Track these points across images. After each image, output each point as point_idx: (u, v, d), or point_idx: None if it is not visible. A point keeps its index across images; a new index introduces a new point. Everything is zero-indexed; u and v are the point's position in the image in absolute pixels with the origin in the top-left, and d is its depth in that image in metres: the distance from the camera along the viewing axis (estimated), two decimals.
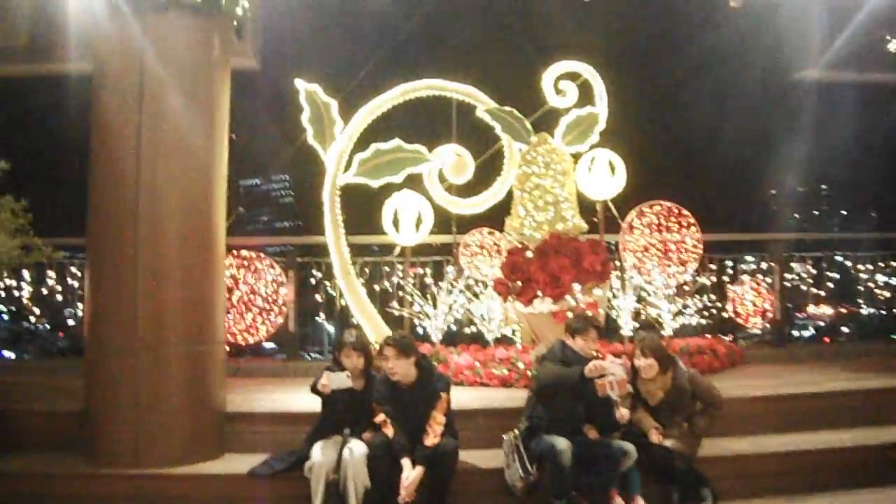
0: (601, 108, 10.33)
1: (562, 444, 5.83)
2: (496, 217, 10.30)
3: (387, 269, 10.55)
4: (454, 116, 10.77)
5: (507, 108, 10.26)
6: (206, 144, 6.74)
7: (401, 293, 10.22)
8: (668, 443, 6.13)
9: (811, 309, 11.75)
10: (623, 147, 10.15)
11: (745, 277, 10.93)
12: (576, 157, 10.07)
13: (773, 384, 8.18)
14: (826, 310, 12.64)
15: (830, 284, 11.49)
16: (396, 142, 10.26)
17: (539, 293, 8.54)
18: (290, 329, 10.81)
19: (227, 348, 8.28)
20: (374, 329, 10.23)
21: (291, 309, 10.71)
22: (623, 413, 5.99)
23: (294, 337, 10.96)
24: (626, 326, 9.08)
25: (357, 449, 5.80)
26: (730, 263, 11.14)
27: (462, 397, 7.32)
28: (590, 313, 8.25)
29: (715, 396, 6.43)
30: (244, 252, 10.52)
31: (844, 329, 13.12)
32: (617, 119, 10.37)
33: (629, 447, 5.95)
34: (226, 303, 8.11)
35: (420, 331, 9.75)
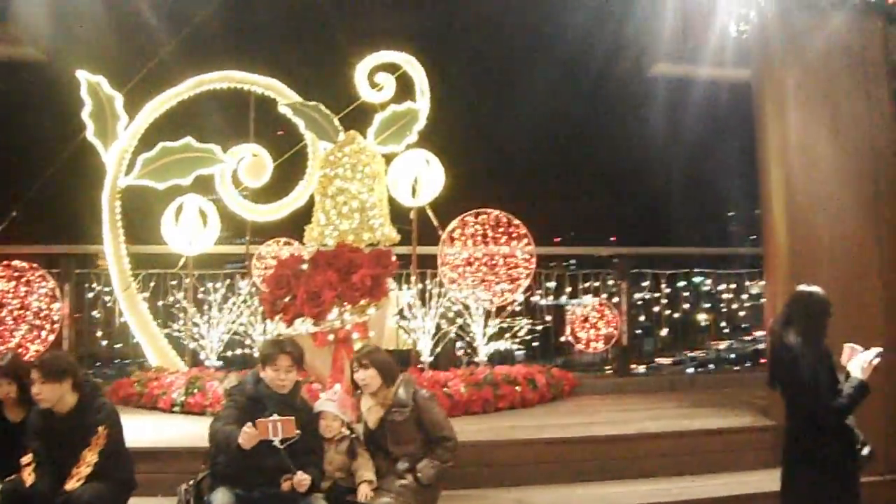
0: (422, 103, 9.05)
1: (219, 500, 4.54)
2: (297, 225, 8.98)
3: (174, 283, 9.16)
4: (251, 113, 9.44)
5: (312, 104, 8.92)
6: None
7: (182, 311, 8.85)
8: (383, 501, 4.83)
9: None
10: (448, 148, 8.96)
11: (588, 297, 9.71)
12: (391, 158, 8.85)
13: (574, 423, 7.05)
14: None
15: (686, 305, 10.33)
16: (186, 140, 8.97)
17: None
18: (63, 349, 9.32)
19: None
20: (157, 352, 8.85)
21: (66, 326, 9.32)
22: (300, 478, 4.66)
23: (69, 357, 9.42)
24: (425, 352, 7.84)
25: None
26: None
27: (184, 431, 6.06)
28: (356, 336, 7.04)
29: (444, 428, 5.16)
30: (15, 262, 9.11)
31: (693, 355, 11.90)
32: (443, 116, 9.17)
33: None
34: None
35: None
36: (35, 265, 9.17)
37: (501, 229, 8.99)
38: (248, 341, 8.37)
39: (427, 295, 8.33)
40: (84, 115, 8.93)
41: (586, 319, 9.42)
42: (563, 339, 9.50)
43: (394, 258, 8.56)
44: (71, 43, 9.34)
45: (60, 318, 9.17)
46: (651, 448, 6.47)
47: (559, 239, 10.09)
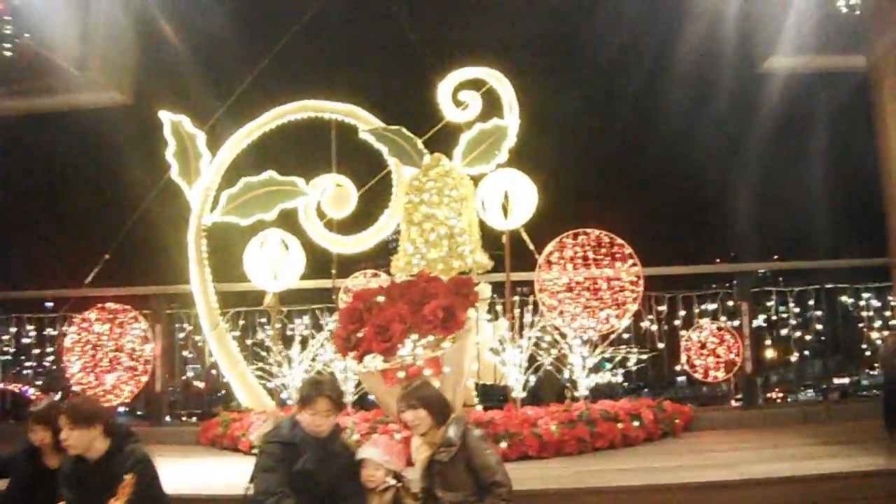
0: (511, 119, 8.48)
1: None
2: (385, 256, 8.51)
3: (262, 320, 8.83)
4: (333, 141, 9.09)
5: (394, 127, 8.48)
6: None
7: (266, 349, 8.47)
8: None
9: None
10: (541, 165, 8.33)
11: (704, 321, 8.76)
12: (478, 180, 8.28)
13: (673, 465, 6.14)
14: None
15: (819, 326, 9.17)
16: (269, 174, 8.68)
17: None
18: (156, 389, 9.21)
19: None
20: (247, 391, 8.52)
21: (158, 366, 9.17)
22: None
23: (159, 398, 9.29)
24: (517, 389, 7.14)
25: None
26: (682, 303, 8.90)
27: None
28: (428, 373, 6.43)
29: (495, 472, 4.40)
30: (109, 305, 9.09)
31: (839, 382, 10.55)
32: (532, 133, 8.54)
33: None
34: None
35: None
36: (127, 307, 9.13)
37: (604, 250, 8.27)
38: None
39: (519, 325, 7.64)
40: (168, 155, 8.81)
41: (704, 345, 8.51)
42: (678, 368, 8.59)
43: (482, 286, 8.10)
44: (153, 85, 9.33)
45: (153, 359, 9.05)
46: (756, 497, 5.51)
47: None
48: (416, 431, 4.56)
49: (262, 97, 9.07)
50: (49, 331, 9.46)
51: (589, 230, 8.31)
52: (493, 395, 8.73)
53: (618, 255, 8.22)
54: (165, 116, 8.81)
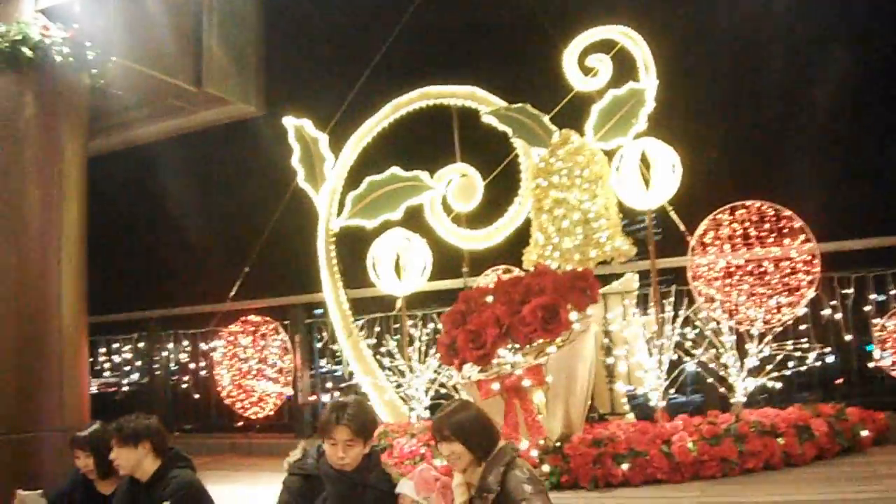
0: (648, 81, 7.37)
1: None
2: (516, 249, 7.68)
3: (397, 326, 8.29)
4: (455, 129, 8.36)
5: (517, 105, 7.65)
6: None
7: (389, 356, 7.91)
8: None
9: None
10: (688, 131, 7.16)
11: None
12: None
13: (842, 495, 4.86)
14: None
15: None
16: (392, 170, 8.14)
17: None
18: (298, 401, 9.04)
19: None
20: (385, 403, 8.01)
21: (300, 379, 9.04)
22: None
23: (303, 411, 9.09)
24: (654, 398, 6.08)
25: None
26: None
27: None
28: (528, 383, 5.54)
29: None
30: (251, 317, 9.14)
31: None
32: (673, 95, 7.38)
33: None
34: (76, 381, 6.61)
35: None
36: (268, 318, 9.07)
37: (768, 225, 6.95)
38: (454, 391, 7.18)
39: (665, 320, 6.54)
40: (294, 161, 8.53)
41: None
42: (872, 365, 7.01)
43: (628, 276, 7.09)
44: (281, 92, 9.10)
45: (293, 370, 8.93)
46: None
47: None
48: (454, 468, 3.77)
49: (382, 91, 8.54)
50: (202, 345, 9.61)
51: (749, 202, 7.04)
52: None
53: (786, 231, 6.88)
54: (289, 122, 8.54)
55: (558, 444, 5.78)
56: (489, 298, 6.07)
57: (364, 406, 3.93)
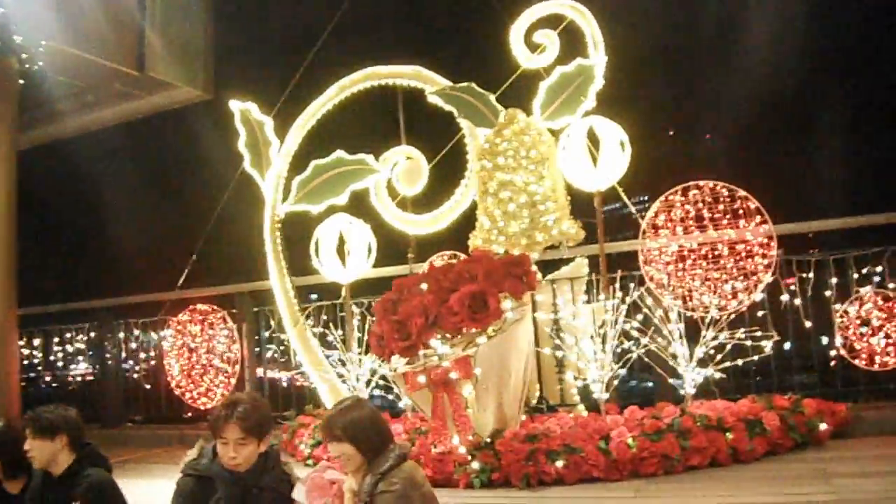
0: (597, 58, 7.02)
1: None
2: (464, 234, 7.35)
3: (343, 314, 8.00)
4: (401, 110, 8.05)
5: (463, 84, 7.30)
6: None
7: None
8: None
9: None
10: (635, 109, 6.80)
11: (866, 289, 6.78)
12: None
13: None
14: None
15: None
16: (337, 154, 7.82)
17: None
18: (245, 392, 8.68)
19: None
20: (333, 394, 7.72)
21: (247, 368, 8.74)
22: None
23: None
24: (596, 391, 5.76)
25: None
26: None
27: None
28: (454, 377, 5.24)
29: None
30: (199, 306, 8.87)
31: None
32: (623, 72, 7.01)
33: None
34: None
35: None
36: (215, 307, 8.81)
37: (722, 206, 6.61)
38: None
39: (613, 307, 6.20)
40: (240, 146, 8.21)
41: (866, 322, 6.57)
42: (833, 354, 6.64)
43: (578, 261, 6.78)
44: (230, 75, 8.80)
45: (240, 360, 8.65)
46: None
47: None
48: (345, 469, 3.48)
49: (328, 73, 8.20)
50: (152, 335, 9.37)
51: (702, 182, 6.70)
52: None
53: (741, 212, 6.55)
54: (235, 105, 8.22)
55: (489, 440, 5.50)
56: (423, 286, 5.76)
57: (258, 403, 3.66)
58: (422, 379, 5.43)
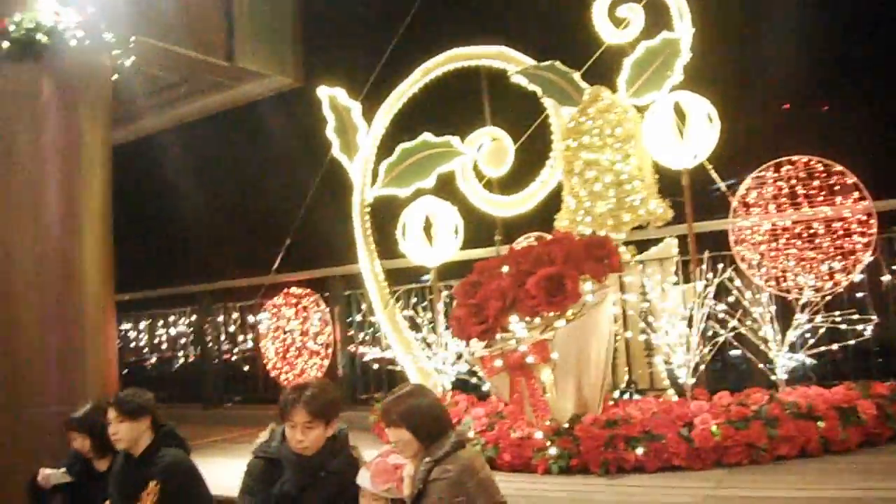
0: (683, 29, 6.79)
1: None
2: (552, 215, 7.25)
3: (431, 297, 8.04)
4: (485, 91, 7.97)
5: (546, 63, 7.19)
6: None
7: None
8: None
9: None
10: (727, 83, 6.53)
11: None
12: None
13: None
14: None
15: None
16: (423, 137, 7.87)
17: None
18: (339, 374, 8.94)
19: None
20: (422, 377, 7.80)
21: (339, 351, 8.93)
22: None
23: (343, 382, 8.96)
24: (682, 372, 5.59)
25: None
26: None
27: None
28: (532, 359, 5.18)
29: None
30: (294, 290, 9.05)
31: None
32: (711, 46, 6.73)
33: None
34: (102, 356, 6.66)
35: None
36: (309, 290, 8.96)
37: (817, 182, 6.29)
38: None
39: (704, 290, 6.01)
40: (329, 132, 8.35)
41: None
42: None
43: (667, 241, 6.61)
44: (321, 63, 8.91)
45: (333, 343, 8.79)
46: None
47: None
48: (402, 455, 3.51)
49: (414, 56, 8.21)
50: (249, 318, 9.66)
51: (795, 158, 6.38)
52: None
53: (837, 188, 6.22)
54: (322, 91, 8.36)
55: (567, 425, 5.44)
56: (505, 269, 5.72)
57: (325, 387, 3.77)
58: (498, 363, 5.42)
